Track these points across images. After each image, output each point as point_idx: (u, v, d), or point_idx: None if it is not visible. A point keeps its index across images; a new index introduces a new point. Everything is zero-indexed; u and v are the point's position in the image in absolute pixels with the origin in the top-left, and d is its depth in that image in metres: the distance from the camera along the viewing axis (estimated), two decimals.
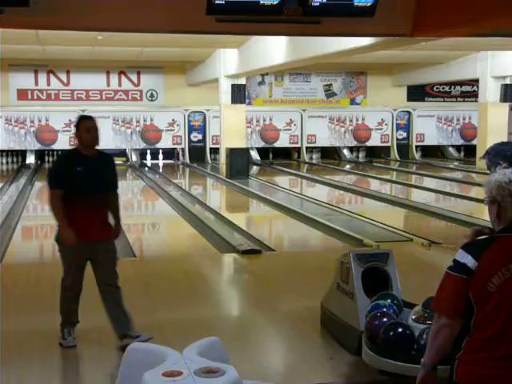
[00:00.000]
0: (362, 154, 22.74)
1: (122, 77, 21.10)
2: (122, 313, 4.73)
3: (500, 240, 2.49)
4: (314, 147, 22.26)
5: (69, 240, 4.63)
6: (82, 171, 4.71)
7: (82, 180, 4.70)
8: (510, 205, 2.49)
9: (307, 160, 21.76)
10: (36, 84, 20.53)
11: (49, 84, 20.61)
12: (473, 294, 2.45)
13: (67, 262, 4.76)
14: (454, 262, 2.51)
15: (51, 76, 20.58)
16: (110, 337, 4.74)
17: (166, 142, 21.13)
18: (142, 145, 21.04)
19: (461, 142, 22.92)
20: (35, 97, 20.55)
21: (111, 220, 4.94)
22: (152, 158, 21.29)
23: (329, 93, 22.40)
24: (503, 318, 2.43)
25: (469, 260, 2.46)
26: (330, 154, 22.31)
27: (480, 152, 17.87)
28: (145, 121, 20.86)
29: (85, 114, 4.87)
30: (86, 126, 4.74)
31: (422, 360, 2.59)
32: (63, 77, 20.63)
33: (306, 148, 22.00)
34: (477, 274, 2.44)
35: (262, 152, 21.67)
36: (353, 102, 22.67)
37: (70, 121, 20.20)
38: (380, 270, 4.65)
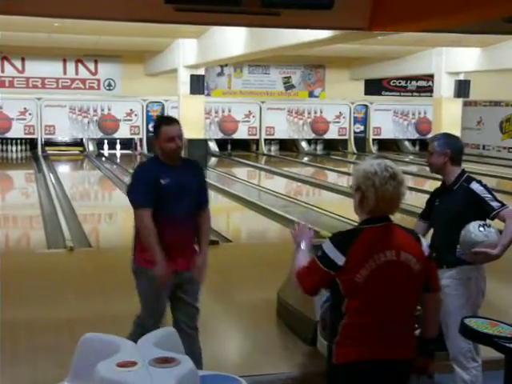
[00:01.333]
0: (319, 147, 22.88)
1: (79, 65, 20.77)
2: (194, 352, 3.75)
3: (365, 232, 2.60)
4: (273, 139, 22.31)
5: (163, 276, 3.72)
6: (167, 185, 3.83)
7: (168, 195, 3.81)
8: (372, 195, 2.58)
9: (265, 152, 21.80)
10: None
11: (3, 71, 20.15)
12: (342, 286, 2.58)
13: (147, 297, 3.90)
14: (323, 254, 2.62)
15: (5, 63, 20.13)
16: (64, 327, 4.69)
17: (123, 132, 20.91)
18: (100, 134, 20.78)
19: (416, 136, 23.25)
20: None
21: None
22: (109, 148, 21.06)
23: (287, 85, 22.45)
24: (373, 307, 2.57)
25: (337, 256, 2.56)
26: (288, 146, 22.39)
27: None
28: (102, 110, 20.60)
29: (160, 115, 3.61)
30: (168, 136, 3.90)
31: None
32: (18, 64, 20.20)
33: (265, 140, 22.03)
34: (345, 268, 2.56)
35: (221, 143, 21.61)
36: (311, 94, 22.77)
37: (24, 109, 19.85)
38: None
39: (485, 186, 3.65)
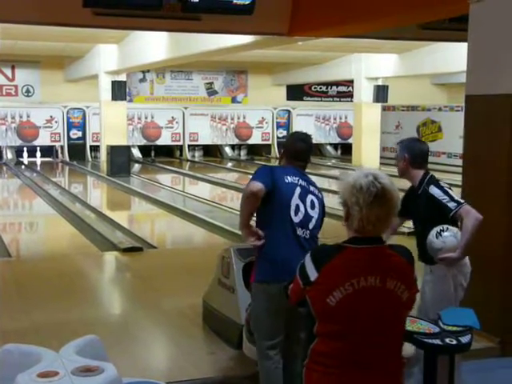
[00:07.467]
0: (243, 152, 22.99)
1: None
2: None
3: (346, 251, 2.32)
4: (196, 145, 22.28)
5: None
6: None
7: None
8: (357, 213, 2.29)
9: (189, 158, 21.74)
10: None
11: None
12: (313, 305, 2.32)
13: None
14: (301, 265, 2.38)
15: None
16: None
17: (43, 140, 20.43)
18: (18, 142, 20.23)
19: (338, 140, 23.70)
20: None
21: None
22: (29, 156, 20.54)
23: (210, 91, 22.47)
24: (342, 334, 2.31)
25: (311, 271, 2.31)
26: (212, 152, 22.40)
27: (356, 150, 18.57)
28: (21, 117, 20.07)
29: None
30: None
31: None
32: None
33: (189, 146, 21.97)
34: (315, 285, 2.30)
35: (144, 150, 21.42)
36: (234, 100, 22.87)
37: None
38: None
39: (442, 188, 3.72)
